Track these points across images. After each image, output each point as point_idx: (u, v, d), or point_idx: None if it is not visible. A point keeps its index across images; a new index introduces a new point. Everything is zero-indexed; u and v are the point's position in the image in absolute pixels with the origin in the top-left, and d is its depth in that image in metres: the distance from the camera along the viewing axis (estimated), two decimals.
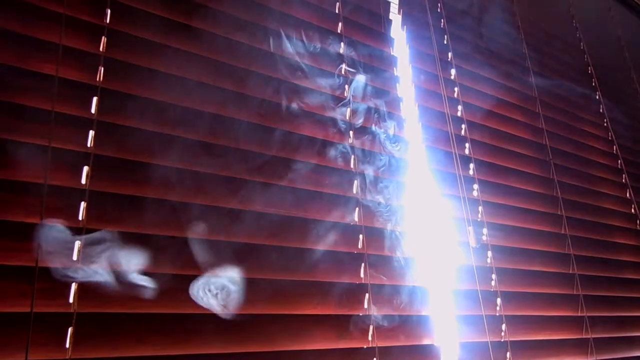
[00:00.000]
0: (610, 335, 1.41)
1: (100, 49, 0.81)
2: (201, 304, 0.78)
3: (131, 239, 0.75)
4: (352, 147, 1.06)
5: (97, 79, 0.80)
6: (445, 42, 1.39)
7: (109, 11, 0.84)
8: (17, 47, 0.74)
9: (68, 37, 0.79)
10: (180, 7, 0.93)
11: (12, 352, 0.64)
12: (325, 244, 0.95)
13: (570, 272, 1.40)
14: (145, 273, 0.75)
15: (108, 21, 0.83)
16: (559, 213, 1.46)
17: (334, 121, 1.05)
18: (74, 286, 0.69)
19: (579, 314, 1.36)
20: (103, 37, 0.82)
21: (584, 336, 1.34)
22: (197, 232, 0.81)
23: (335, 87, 1.09)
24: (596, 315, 1.40)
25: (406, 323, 0.99)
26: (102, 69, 0.80)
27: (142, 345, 0.72)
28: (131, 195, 0.77)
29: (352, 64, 1.14)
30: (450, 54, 1.38)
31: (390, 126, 1.14)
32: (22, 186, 0.69)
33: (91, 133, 0.76)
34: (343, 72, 1.12)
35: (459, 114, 1.32)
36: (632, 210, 1.74)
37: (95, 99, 0.78)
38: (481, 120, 1.38)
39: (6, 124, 0.70)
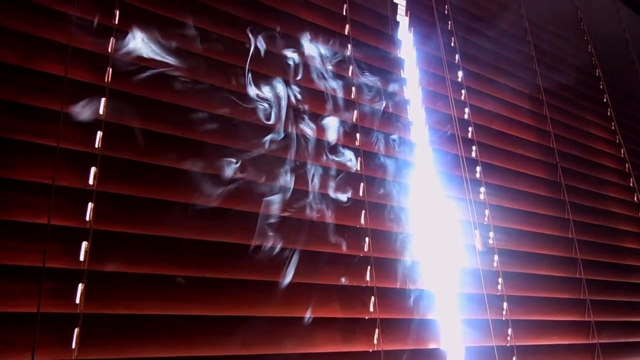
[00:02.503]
0: (617, 340, 1.40)
1: (109, 50, 0.82)
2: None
3: (137, 241, 0.75)
4: (359, 150, 1.05)
5: (106, 80, 0.80)
6: (452, 45, 1.38)
7: (117, 12, 0.84)
8: (27, 47, 0.74)
9: (77, 39, 0.79)
10: (188, 8, 0.93)
11: (18, 353, 0.64)
12: (331, 246, 0.94)
13: (577, 276, 1.39)
14: (152, 274, 0.75)
15: (117, 22, 0.84)
16: (566, 217, 1.45)
17: (340, 123, 1.05)
18: (80, 287, 0.69)
19: (586, 319, 1.35)
20: (112, 38, 0.82)
21: (590, 341, 1.33)
22: (204, 235, 0.81)
23: (342, 89, 1.09)
24: (603, 320, 1.39)
25: (412, 326, 0.98)
26: (111, 69, 0.80)
27: (148, 346, 0.72)
28: (138, 196, 0.77)
29: (359, 66, 1.13)
30: (457, 56, 1.37)
31: (397, 128, 1.14)
32: (29, 186, 0.69)
33: (99, 134, 0.76)
34: (350, 74, 1.12)
35: (465, 116, 1.32)
36: None
37: (103, 100, 0.78)
38: (488, 122, 1.38)
39: (15, 124, 0.71)
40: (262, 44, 1.00)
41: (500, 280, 1.19)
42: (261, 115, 0.95)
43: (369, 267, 0.97)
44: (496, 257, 1.20)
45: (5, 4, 0.74)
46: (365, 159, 1.05)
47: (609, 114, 1.85)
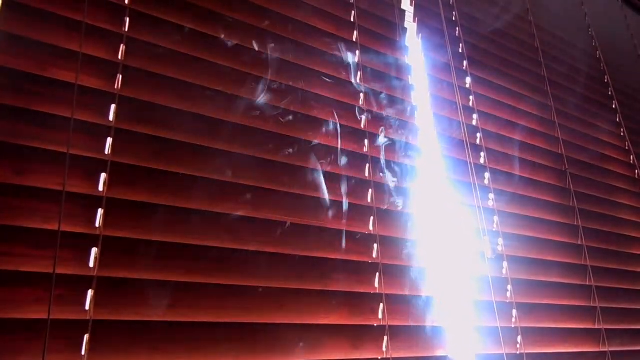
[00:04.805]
0: (628, 348, 1.39)
1: (119, 56, 0.82)
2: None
3: (147, 247, 0.75)
4: (367, 156, 1.05)
5: (116, 87, 0.80)
6: (460, 51, 1.38)
7: (127, 19, 0.85)
8: (38, 54, 0.75)
9: (87, 45, 0.79)
10: (198, 15, 0.93)
11: (28, 359, 0.64)
12: (339, 253, 0.94)
13: (587, 283, 1.38)
14: (161, 281, 0.75)
15: (127, 29, 0.84)
16: (575, 223, 1.44)
17: (348, 130, 1.05)
18: (90, 293, 0.69)
19: (596, 327, 1.34)
20: (122, 45, 0.83)
21: (601, 349, 1.32)
22: (213, 241, 0.81)
23: (351, 96, 1.09)
24: (614, 328, 1.37)
25: (421, 334, 0.98)
26: (121, 76, 0.81)
27: (158, 353, 0.72)
28: (148, 202, 0.77)
29: (367, 72, 1.14)
30: (465, 63, 1.37)
31: (405, 135, 1.13)
32: (40, 193, 0.70)
33: (109, 140, 0.77)
34: (358, 81, 1.12)
35: (474, 122, 1.31)
36: None
37: (113, 107, 0.79)
38: (496, 129, 1.37)
39: (26, 131, 0.71)
40: (271, 51, 1.00)
41: (509, 287, 1.18)
42: (272, 122, 0.95)
43: (377, 274, 0.97)
44: (505, 264, 1.19)
45: (16, 12, 0.75)
46: (373, 165, 1.05)
47: (617, 120, 1.83)
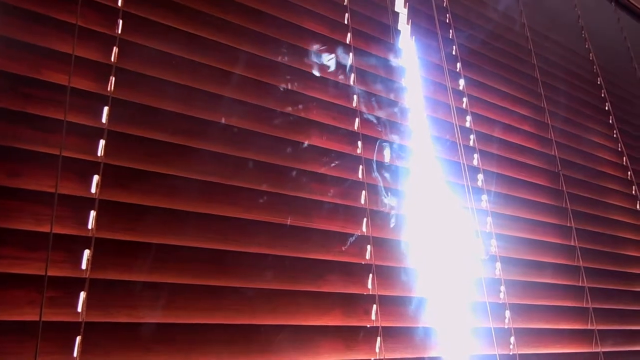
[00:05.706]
0: (620, 348, 1.40)
1: (112, 59, 0.82)
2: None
3: (140, 248, 0.75)
4: (360, 157, 1.06)
5: (109, 89, 0.81)
6: (453, 53, 1.39)
7: (120, 22, 0.85)
8: (30, 57, 0.75)
9: (80, 48, 0.79)
10: (191, 18, 0.94)
11: None
12: (332, 254, 0.94)
13: (580, 284, 1.38)
14: (153, 282, 0.75)
15: (120, 32, 0.84)
16: (568, 225, 1.45)
17: (342, 131, 1.05)
18: (82, 295, 0.69)
19: (589, 327, 1.34)
20: (115, 48, 0.83)
21: (593, 349, 1.32)
22: (206, 243, 0.82)
23: (344, 98, 1.09)
24: (606, 329, 1.38)
25: (414, 335, 0.98)
26: (113, 79, 0.81)
27: (150, 355, 0.72)
28: (141, 204, 0.78)
29: (360, 74, 1.14)
30: (458, 65, 1.38)
31: (399, 136, 1.14)
32: (32, 195, 0.70)
33: (102, 142, 0.77)
34: (352, 83, 1.12)
35: (467, 124, 1.32)
36: None
37: (106, 109, 0.79)
38: (490, 130, 1.38)
39: (18, 133, 0.71)
40: (264, 53, 1.01)
41: (502, 288, 1.18)
42: (266, 124, 0.95)
43: (370, 275, 0.97)
44: (498, 265, 1.20)
45: (9, 14, 0.75)
46: (366, 166, 1.06)
47: (610, 121, 1.85)
